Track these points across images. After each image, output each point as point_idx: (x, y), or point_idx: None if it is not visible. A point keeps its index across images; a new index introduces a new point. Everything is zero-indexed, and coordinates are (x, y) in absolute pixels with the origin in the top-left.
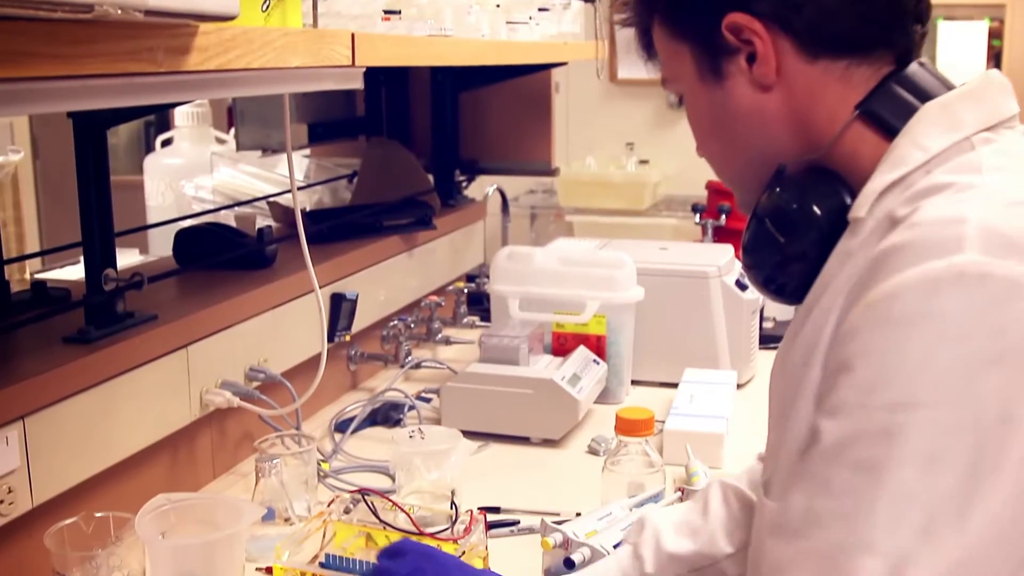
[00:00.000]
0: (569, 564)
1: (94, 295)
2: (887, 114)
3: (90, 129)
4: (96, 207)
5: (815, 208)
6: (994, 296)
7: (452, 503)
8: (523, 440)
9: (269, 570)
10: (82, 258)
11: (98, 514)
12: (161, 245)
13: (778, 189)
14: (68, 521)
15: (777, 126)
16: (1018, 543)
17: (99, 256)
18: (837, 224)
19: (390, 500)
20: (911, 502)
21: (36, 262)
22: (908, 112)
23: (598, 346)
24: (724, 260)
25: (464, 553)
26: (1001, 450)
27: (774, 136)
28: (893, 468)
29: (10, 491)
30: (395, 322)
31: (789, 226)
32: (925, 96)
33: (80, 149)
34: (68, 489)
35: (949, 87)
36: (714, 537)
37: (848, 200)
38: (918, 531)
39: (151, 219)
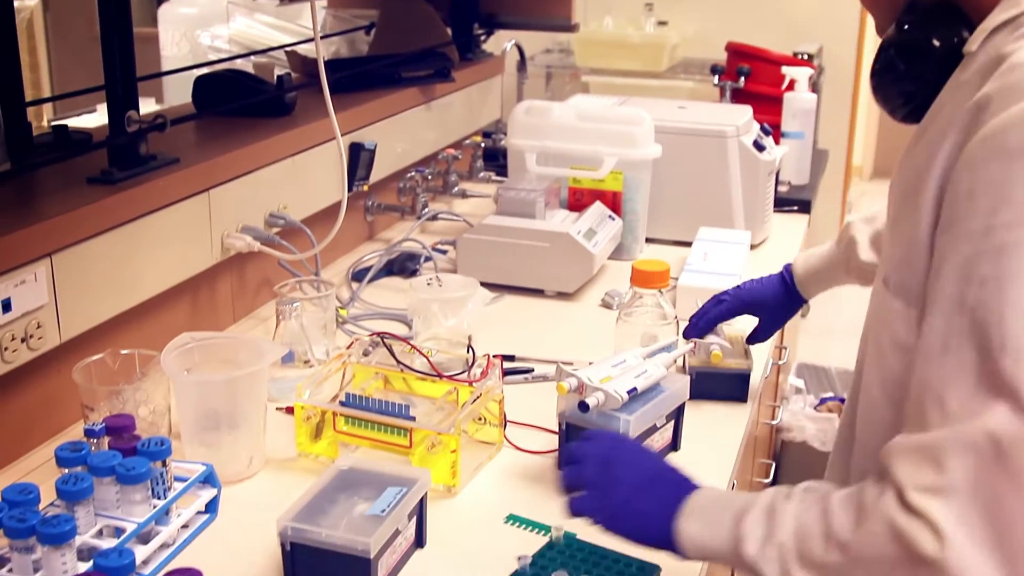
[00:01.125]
0: (583, 407)
1: (117, 136)
2: None
3: None
4: (119, 48)
5: (934, 41)
6: None
7: (469, 347)
8: (537, 292)
9: (290, 409)
10: (97, 106)
11: (124, 351)
12: (177, 94)
13: (904, 21)
14: (95, 357)
15: None
16: None
17: (122, 98)
18: (952, 57)
19: (408, 343)
20: None
21: (50, 110)
22: None
23: (614, 202)
24: (742, 120)
25: (480, 396)
26: None
27: None
28: (1016, 279)
29: (39, 326)
30: (412, 174)
31: (908, 55)
32: None
33: None
34: (94, 327)
35: None
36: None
37: (966, 35)
38: None
39: (166, 69)
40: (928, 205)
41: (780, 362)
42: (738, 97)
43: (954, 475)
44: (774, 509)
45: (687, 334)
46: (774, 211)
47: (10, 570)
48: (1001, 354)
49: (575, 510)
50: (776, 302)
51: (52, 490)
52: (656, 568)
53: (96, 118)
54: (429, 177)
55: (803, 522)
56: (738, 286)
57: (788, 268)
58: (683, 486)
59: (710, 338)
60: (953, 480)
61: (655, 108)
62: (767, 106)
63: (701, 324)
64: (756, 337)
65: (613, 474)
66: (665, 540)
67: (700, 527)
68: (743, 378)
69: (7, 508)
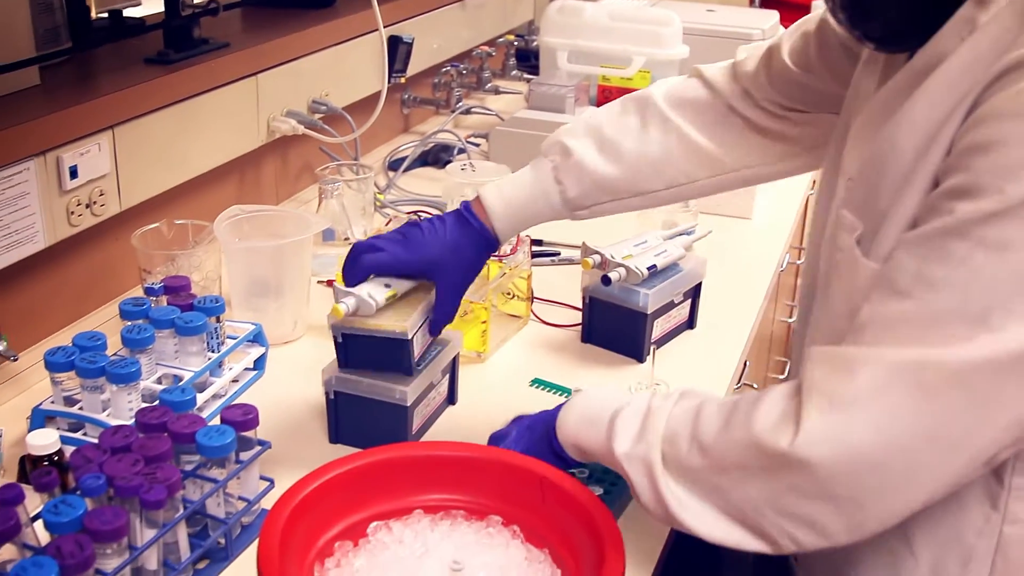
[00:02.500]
0: (606, 281)
1: (173, 19)
2: None
3: None
4: None
5: None
6: None
7: None
8: None
9: (331, 282)
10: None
11: (178, 221)
12: None
13: None
14: (152, 226)
15: None
16: None
17: None
18: None
19: None
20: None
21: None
22: None
23: None
24: (768, 24)
25: (509, 271)
26: None
27: None
28: (1022, 251)
29: (101, 194)
30: (447, 68)
31: None
32: None
33: None
34: (151, 198)
35: None
36: (639, 171)
37: None
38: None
39: None
40: (926, 180)
41: (798, 262)
42: (767, 3)
43: (858, 387)
44: (649, 410)
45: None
46: None
47: (80, 408)
48: (971, 324)
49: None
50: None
51: (115, 345)
52: None
53: (139, 11)
54: (464, 72)
55: (673, 425)
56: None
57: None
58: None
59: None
60: (857, 391)
61: (684, 10)
62: (795, 13)
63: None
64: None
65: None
66: (550, 443)
67: (576, 424)
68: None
69: (79, 352)
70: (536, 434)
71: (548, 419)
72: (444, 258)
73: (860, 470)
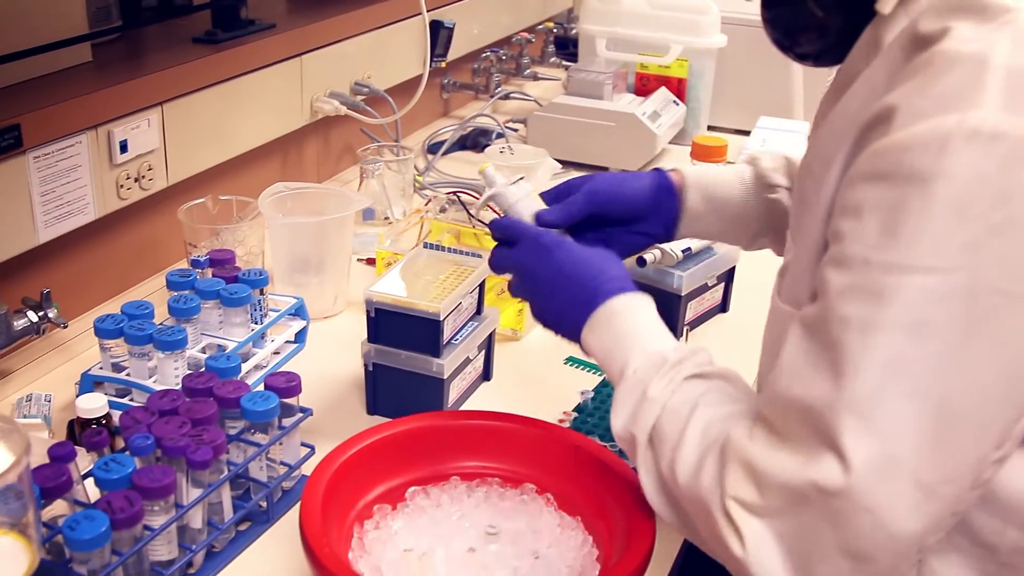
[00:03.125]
0: (641, 262)
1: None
2: None
3: None
4: None
5: None
6: (1003, 158)
7: None
8: (602, 169)
9: (371, 261)
10: None
11: (223, 197)
12: None
13: None
14: (198, 201)
15: None
16: (1000, 418)
17: None
18: (865, 7)
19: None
20: (897, 366)
21: None
22: None
23: (678, 88)
24: None
25: None
26: (994, 320)
27: None
28: (883, 330)
29: (150, 168)
30: (487, 54)
31: None
32: None
33: None
34: (197, 173)
35: None
36: None
37: None
38: (900, 395)
39: None
40: (822, 214)
41: None
42: None
43: (770, 503)
44: (644, 397)
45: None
46: None
47: (128, 374)
48: (842, 411)
49: (512, 291)
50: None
51: (161, 315)
52: None
53: None
54: (503, 58)
55: (663, 424)
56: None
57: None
58: (593, 293)
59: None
60: (768, 506)
61: (723, 0)
62: None
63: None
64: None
65: (535, 273)
66: (579, 342)
67: (598, 346)
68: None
69: (127, 319)
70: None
71: (594, 289)
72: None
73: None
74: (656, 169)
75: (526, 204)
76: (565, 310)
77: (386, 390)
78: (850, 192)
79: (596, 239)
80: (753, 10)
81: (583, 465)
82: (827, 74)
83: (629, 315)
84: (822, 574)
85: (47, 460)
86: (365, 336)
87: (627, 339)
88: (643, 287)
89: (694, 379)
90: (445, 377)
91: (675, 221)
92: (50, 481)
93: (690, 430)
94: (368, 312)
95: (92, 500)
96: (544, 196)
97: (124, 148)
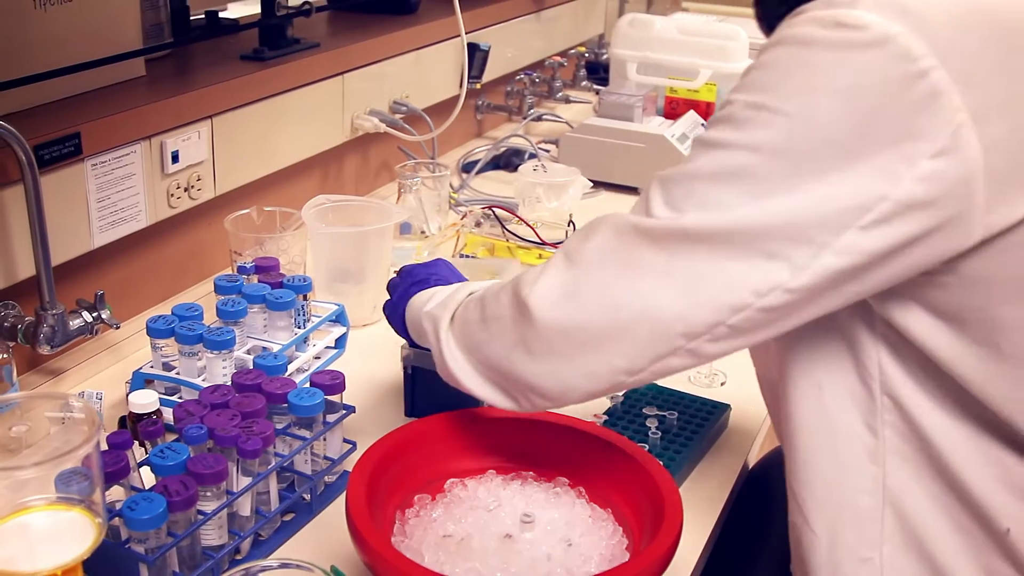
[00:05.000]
0: None
1: (269, 19)
2: None
3: None
4: None
5: None
6: (857, 41)
7: (570, 222)
8: (632, 190)
9: None
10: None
11: (267, 208)
12: None
13: None
14: (243, 211)
15: None
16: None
17: None
18: None
19: (515, 215)
20: (726, 182)
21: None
22: None
23: (707, 112)
24: None
25: None
26: (808, 164)
27: None
28: (727, 148)
29: (199, 179)
30: (520, 77)
31: None
32: None
33: None
34: (242, 185)
35: None
36: None
37: None
38: (714, 205)
39: None
40: None
41: None
42: None
43: (589, 246)
44: (459, 287)
45: None
46: None
47: (177, 372)
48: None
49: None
50: None
51: (209, 319)
52: (727, 406)
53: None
54: (536, 81)
55: (476, 296)
56: None
57: None
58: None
59: None
60: (585, 250)
61: (751, 26)
62: None
63: None
64: None
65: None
66: (401, 323)
67: (415, 309)
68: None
69: (178, 320)
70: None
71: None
72: None
73: (568, 326)
74: None
75: None
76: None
77: (424, 391)
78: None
79: None
80: None
81: (613, 460)
82: None
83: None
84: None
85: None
86: (402, 343)
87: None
88: None
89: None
90: None
91: None
92: (109, 466)
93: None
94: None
95: (147, 487)
96: None
97: (175, 159)
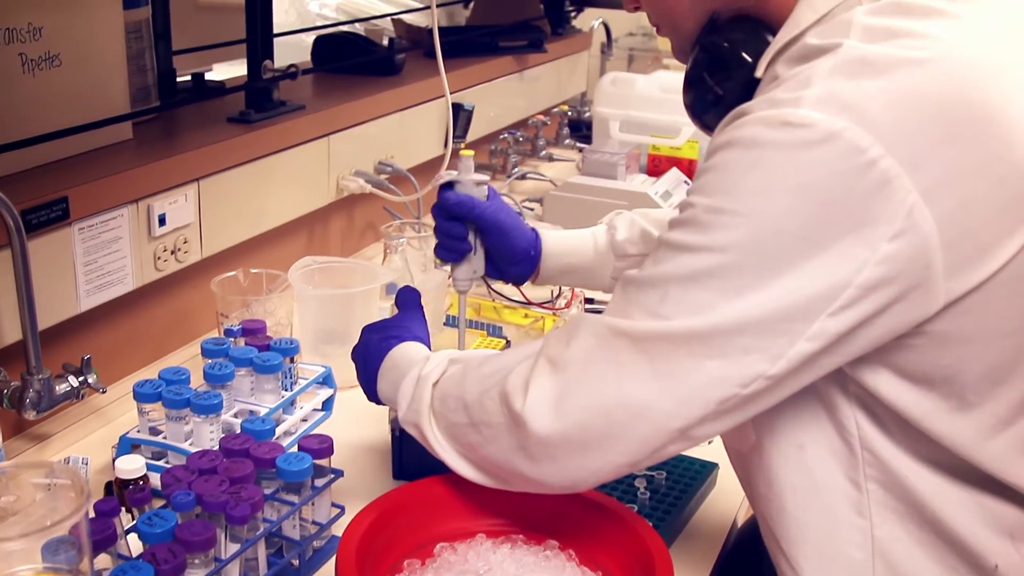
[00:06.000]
0: None
1: (255, 82)
2: None
3: None
4: (260, 4)
5: (742, 55)
6: (807, 139)
7: None
8: None
9: None
10: (214, 65)
11: (253, 270)
12: (283, 59)
13: (712, 37)
14: (230, 273)
15: None
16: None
17: (260, 49)
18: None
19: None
20: (699, 283)
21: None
22: None
23: (689, 169)
24: None
25: (563, 324)
26: (774, 261)
27: None
28: (695, 251)
29: (186, 241)
30: (504, 136)
31: (717, 71)
32: None
33: None
34: (229, 247)
35: None
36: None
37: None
38: (693, 307)
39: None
40: None
41: None
42: None
43: (572, 352)
44: (419, 378)
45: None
46: None
47: (164, 437)
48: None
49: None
50: (513, 243)
51: (196, 382)
52: (715, 465)
53: (217, 75)
54: (520, 140)
55: (444, 387)
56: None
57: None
58: (384, 346)
59: None
60: (568, 355)
61: None
62: None
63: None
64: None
65: (359, 353)
66: (375, 398)
67: (385, 385)
68: None
69: (165, 384)
70: (367, 355)
71: (379, 350)
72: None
73: (567, 433)
74: (535, 230)
75: (477, 193)
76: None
77: (411, 454)
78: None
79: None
80: None
81: (603, 522)
82: None
83: (406, 355)
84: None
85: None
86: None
87: (409, 360)
88: None
89: (457, 361)
90: None
91: (527, 278)
92: (96, 535)
93: (471, 373)
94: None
95: (134, 555)
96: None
97: (162, 222)
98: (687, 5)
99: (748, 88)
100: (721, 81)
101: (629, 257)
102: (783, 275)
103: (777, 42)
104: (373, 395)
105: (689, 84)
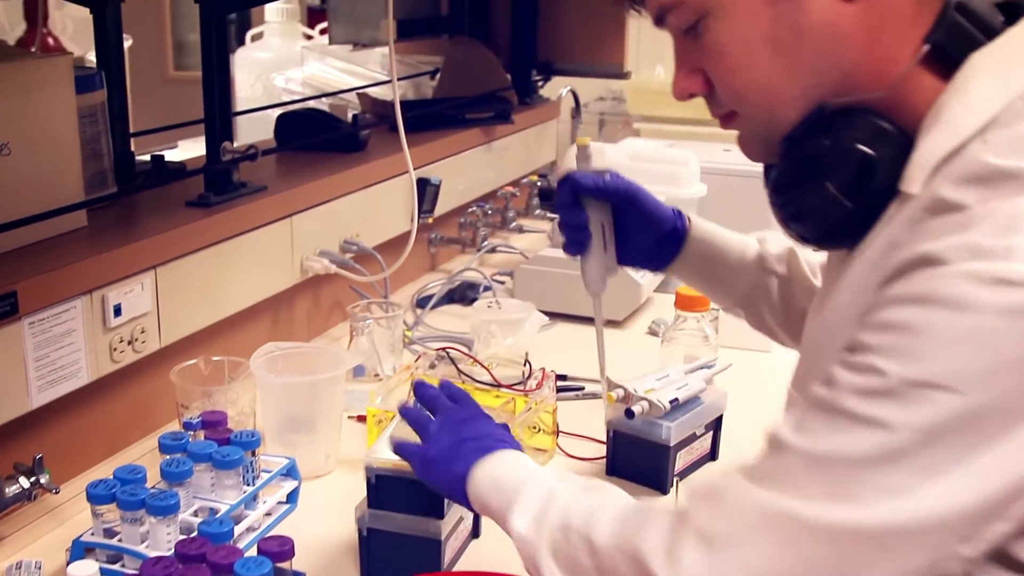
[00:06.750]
0: (630, 415)
1: (214, 164)
2: (953, 51)
3: (213, 12)
4: (218, 84)
5: (875, 156)
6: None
7: (526, 361)
8: (588, 320)
9: (361, 418)
10: (179, 143)
11: (215, 358)
12: (249, 134)
13: (840, 133)
14: (190, 362)
15: (849, 48)
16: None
17: (219, 130)
18: (890, 180)
19: (471, 356)
20: (897, 464)
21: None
22: (969, 50)
23: None
24: None
25: (535, 405)
26: (991, 442)
27: (842, 61)
28: (891, 430)
29: (143, 331)
30: (473, 209)
31: (843, 177)
32: (988, 30)
33: (205, 31)
34: (189, 335)
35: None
36: None
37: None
38: (891, 491)
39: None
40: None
41: None
42: None
43: (729, 525)
44: (551, 494)
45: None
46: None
47: (120, 540)
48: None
49: (396, 449)
50: (654, 218)
51: (153, 478)
52: None
53: (176, 153)
54: (489, 212)
55: (570, 516)
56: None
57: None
58: (490, 446)
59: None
60: (730, 531)
61: (701, 151)
62: None
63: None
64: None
65: (441, 433)
66: (460, 488)
67: (485, 486)
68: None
69: (120, 484)
70: (443, 466)
71: (460, 462)
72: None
73: None
74: (678, 211)
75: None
76: (456, 456)
77: (380, 554)
78: (879, 312)
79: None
80: (732, 160)
81: None
82: None
83: (521, 461)
84: None
85: None
86: (358, 496)
87: (524, 471)
88: (631, 438)
89: (593, 490)
90: (442, 538)
91: (668, 264)
92: None
93: (603, 514)
94: (368, 479)
95: None
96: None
97: (118, 312)
98: (795, 92)
99: (886, 201)
100: (851, 192)
101: (773, 275)
102: (985, 454)
103: (931, 152)
104: (460, 483)
105: (796, 188)
